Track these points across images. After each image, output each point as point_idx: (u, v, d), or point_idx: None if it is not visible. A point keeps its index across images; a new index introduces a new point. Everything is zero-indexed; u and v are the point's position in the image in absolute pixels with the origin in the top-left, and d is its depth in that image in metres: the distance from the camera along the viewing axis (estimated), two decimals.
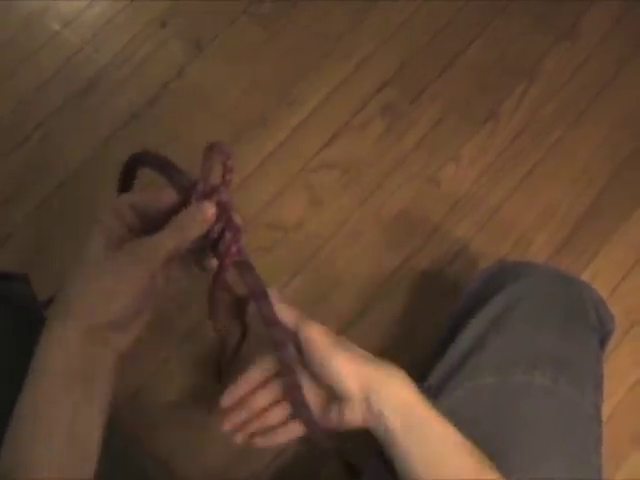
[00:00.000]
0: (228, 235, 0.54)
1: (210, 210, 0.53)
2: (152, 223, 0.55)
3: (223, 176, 0.54)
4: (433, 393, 0.68)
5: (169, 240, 0.53)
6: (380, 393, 0.58)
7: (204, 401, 1.11)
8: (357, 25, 1.31)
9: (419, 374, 0.67)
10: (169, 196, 0.55)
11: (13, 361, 0.66)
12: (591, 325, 0.74)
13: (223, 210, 0.54)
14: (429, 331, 1.07)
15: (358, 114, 1.26)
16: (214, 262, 0.57)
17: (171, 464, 1.07)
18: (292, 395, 0.62)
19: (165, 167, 0.55)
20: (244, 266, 0.55)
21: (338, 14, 1.32)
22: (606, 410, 1.05)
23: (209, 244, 0.55)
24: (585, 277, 1.16)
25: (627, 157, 1.25)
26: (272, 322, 0.59)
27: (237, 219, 0.56)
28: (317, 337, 0.60)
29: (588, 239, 1.20)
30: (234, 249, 0.54)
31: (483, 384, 0.64)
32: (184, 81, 1.28)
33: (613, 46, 1.31)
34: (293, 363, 0.61)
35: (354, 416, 0.60)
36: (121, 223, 0.55)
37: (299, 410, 0.63)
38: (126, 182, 0.62)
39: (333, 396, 0.62)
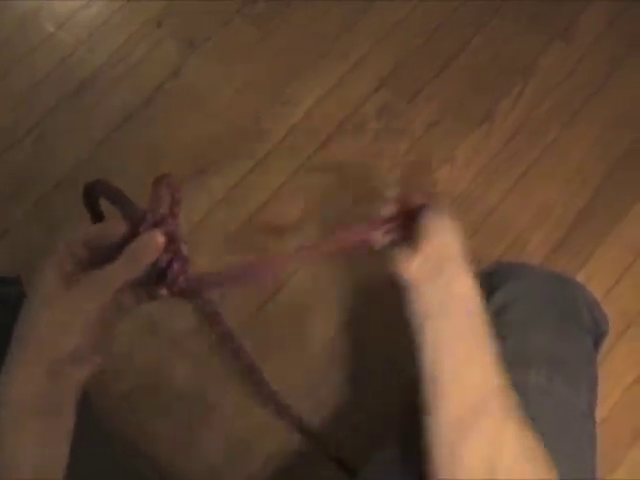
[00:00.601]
0: (176, 265, 0.55)
1: (159, 238, 0.54)
2: (101, 255, 0.56)
3: (171, 208, 0.56)
4: None
5: (122, 270, 0.53)
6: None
7: (202, 401, 1.10)
8: (352, 25, 1.31)
9: (417, 374, 0.66)
10: (118, 227, 0.56)
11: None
12: (585, 326, 0.74)
13: (171, 240, 0.56)
14: None
15: (353, 115, 1.26)
16: (164, 291, 0.58)
17: (168, 464, 1.07)
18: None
19: (116, 198, 0.56)
20: (191, 294, 0.57)
21: (333, 14, 1.32)
22: (603, 411, 1.06)
23: (157, 273, 0.56)
24: (580, 278, 1.16)
25: (621, 157, 1.24)
26: (226, 334, 0.63)
27: (184, 249, 0.57)
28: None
29: (583, 240, 1.20)
30: (181, 279, 0.56)
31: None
32: (179, 81, 1.28)
33: (607, 46, 1.31)
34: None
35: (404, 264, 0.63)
36: (72, 258, 0.56)
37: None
38: (93, 210, 0.64)
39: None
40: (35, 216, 1.19)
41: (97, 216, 0.65)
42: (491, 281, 0.77)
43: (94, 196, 0.62)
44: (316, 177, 1.22)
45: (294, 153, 1.24)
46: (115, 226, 0.56)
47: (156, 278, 0.56)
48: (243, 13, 1.31)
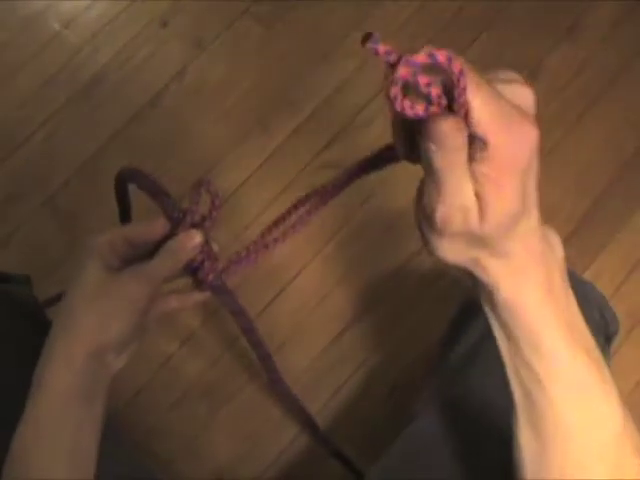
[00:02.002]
0: (207, 264, 0.58)
1: (198, 239, 0.57)
2: (142, 251, 0.59)
3: (210, 212, 0.58)
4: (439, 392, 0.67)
5: (163, 265, 0.56)
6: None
7: (205, 402, 1.11)
8: (358, 25, 1.31)
9: (422, 375, 0.66)
10: (161, 227, 0.58)
11: (15, 362, 0.66)
12: (595, 325, 0.74)
13: (206, 240, 0.58)
14: (431, 332, 1.06)
15: (359, 115, 1.26)
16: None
17: (172, 465, 1.07)
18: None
19: (155, 191, 0.58)
20: (220, 290, 0.60)
21: (339, 14, 1.32)
22: None
23: (189, 271, 0.59)
24: (588, 276, 1.16)
25: (628, 158, 1.24)
26: (251, 334, 0.64)
27: (215, 249, 0.59)
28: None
29: (590, 239, 1.20)
30: (211, 276, 0.58)
31: (487, 384, 0.63)
32: (185, 81, 1.28)
33: (613, 48, 1.31)
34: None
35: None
36: (115, 254, 0.58)
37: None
38: (123, 199, 0.67)
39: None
40: (44, 215, 1.19)
41: (125, 206, 0.67)
42: None
43: (125, 184, 0.63)
44: (322, 177, 1.22)
45: (300, 153, 1.24)
46: (158, 226, 0.57)
47: (189, 276, 0.59)
48: (250, 13, 1.31)
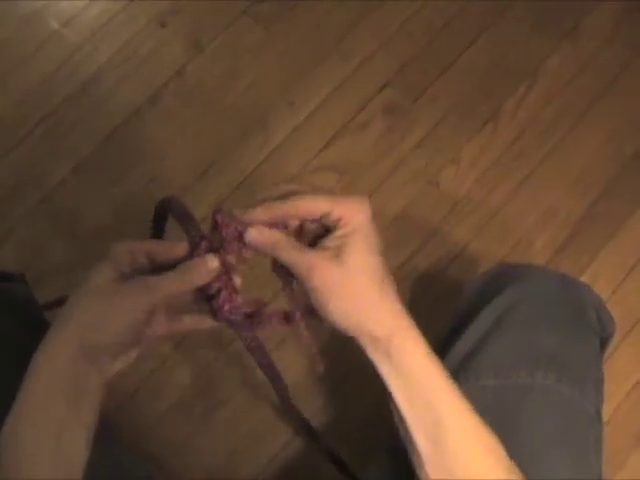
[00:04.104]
0: (223, 295, 0.57)
1: (213, 263, 0.56)
2: (160, 268, 0.58)
3: (234, 240, 0.57)
4: None
5: (171, 281, 0.56)
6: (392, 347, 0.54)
7: (203, 401, 1.10)
8: (358, 25, 1.31)
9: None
10: (182, 249, 0.58)
11: (10, 361, 0.66)
12: (592, 327, 0.74)
13: (226, 270, 0.58)
14: (429, 333, 1.06)
15: (358, 115, 1.26)
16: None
17: (170, 464, 1.07)
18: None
19: (184, 219, 0.58)
20: (236, 323, 0.59)
21: (338, 14, 1.31)
22: (607, 411, 1.06)
23: (206, 299, 0.59)
24: (585, 279, 1.16)
25: (628, 159, 1.25)
26: (268, 369, 0.63)
27: (236, 282, 0.59)
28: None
29: (588, 241, 1.20)
30: (227, 308, 0.58)
31: (485, 385, 0.64)
32: (184, 81, 1.27)
33: (614, 49, 1.31)
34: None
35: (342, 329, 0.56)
36: (133, 263, 0.58)
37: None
38: (159, 225, 0.66)
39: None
40: (40, 214, 1.19)
41: (159, 232, 0.67)
42: (496, 282, 0.77)
43: (165, 213, 0.63)
44: (320, 178, 1.22)
45: (299, 153, 1.24)
46: (180, 247, 0.58)
47: (206, 303, 0.59)
48: (249, 13, 1.31)
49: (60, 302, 0.58)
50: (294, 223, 0.58)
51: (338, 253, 0.54)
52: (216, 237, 0.57)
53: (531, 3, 1.33)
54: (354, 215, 0.55)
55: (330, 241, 0.55)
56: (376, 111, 1.26)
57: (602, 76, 1.29)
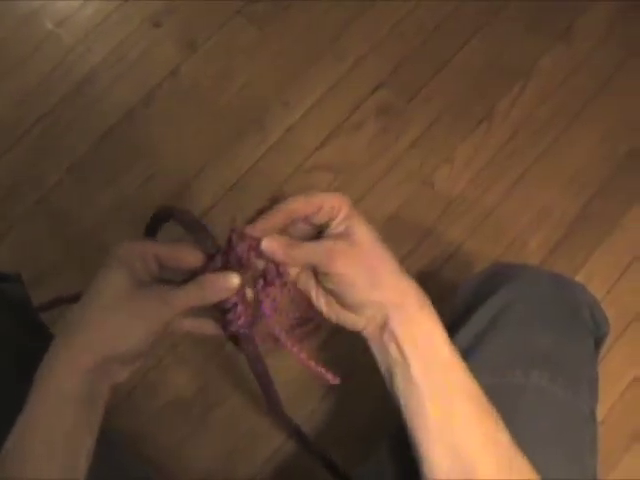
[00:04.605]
0: (239, 309, 0.57)
1: (235, 281, 0.56)
2: (170, 274, 0.59)
3: (248, 257, 0.57)
4: None
5: (191, 296, 0.56)
6: (403, 325, 0.56)
7: (200, 400, 1.10)
8: (352, 25, 1.31)
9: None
10: (194, 258, 0.58)
11: (9, 361, 0.66)
12: (586, 327, 0.74)
13: (241, 286, 0.57)
14: None
15: (352, 115, 1.26)
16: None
17: (167, 465, 1.07)
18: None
19: (194, 228, 0.57)
20: (243, 338, 0.59)
21: (333, 15, 1.31)
22: (601, 411, 1.06)
23: (220, 311, 0.58)
24: (580, 279, 1.16)
25: (621, 158, 1.25)
26: (266, 385, 0.64)
27: (250, 297, 0.59)
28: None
29: (582, 241, 1.20)
30: (240, 323, 0.58)
31: (480, 384, 0.64)
32: (178, 81, 1.27)
33: (607, 49, 1.31)
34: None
35: (358, 325, 0.59)
36: (146, 270, 0.58)
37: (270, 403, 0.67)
38: (152, 233, 0.66)
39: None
40: (37, 214, 1.19)
41: (151, 238, 0.66)
42: (491, 282, 0.77)
43: (160, 222, 0.63)
44: (314, 178, 1.22)
45: (293, 153, 1.24)
46: (192, 256, 0.57)
47: (219, 315, 0.59)
48: (244, 13, 1.31)
49: (55, 304, 0.57)
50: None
51: (348, 236, 0.57)
52: (232, 255, 0.57)
53: (525, 3, 1.33)
54: (342, 203, 0.58)
55: (334, 229, 0.58)
56: (370, 111, 1.26)
57: (596, 76, 1.30)
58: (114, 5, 1.31)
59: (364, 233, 0.57)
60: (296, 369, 1.09)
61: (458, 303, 0.79)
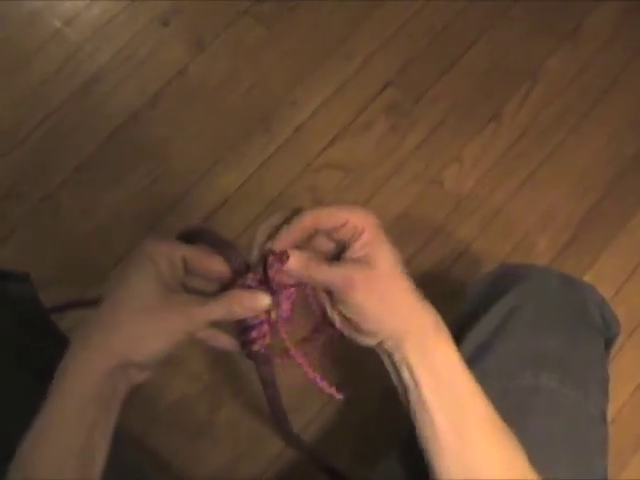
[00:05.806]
0: (263, 328, 0.57)
1: (265, 301, 0.55)
2: (195, 279, 0.58)
3: (278, 276, 0.56)
4: None
5: (220, 310, 0.55)
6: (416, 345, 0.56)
7: (205, 401, 1.10)
8: (360, 25, 1.31)
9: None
10: (220, 268, 0.57)
11: (10, 360, 0.66)
12: (596, 328, 0.74)
13: (271, 306, 0.57)
14: None
15: (361, 115, 1.26)
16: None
17: (171, 465, 1.07)
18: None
19: (222, 245, 0.57)
20: (261, 358, 0.59)
21: (340, 15, 1.31)
22: (611, 412, 1.05)
23: (241, 328, 0.58)
24: (588, 280, 1.15)
25: (630, 159, 1.25)
26: (277, 410, 0.64)
27: (273, 316, 0.58)
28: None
29: (591, 241, 1.20)
30: (260, 342, 0.57)
31: (490, 387, 0.64)
32: (185, 80, 1.27)
33: (615, 50, 1.31)
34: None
35: (370, 344, 0.58)
36: (173, 272, 0.57)
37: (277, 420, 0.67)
38: None
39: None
40: (42, 213, 1.19)
41: None
42: (500, 283, 0.76)
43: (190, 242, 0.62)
44: (323, 177, 1.22)
45: (300, 153, 1.23)
46: (219, 264, 0.57)
47: (239, 332, 0.58)
48: (251, 13, 1.31)
49: (70, 306, 0.57)
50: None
51: (368, 262, 0.55)
52: (265, 276, 0.56)
53: (532, 4, 1.33)
54: (367, 223, 0.56)
55: (354, 252, 0.56)
56: (378, 111, 1.26)
57: (603, 77, 1.29)
58: (122, 4, 1.31)
59: (385, 260, 0.56)
60: (299, 373, 1.09)
61: (467, 304, 0.79)
